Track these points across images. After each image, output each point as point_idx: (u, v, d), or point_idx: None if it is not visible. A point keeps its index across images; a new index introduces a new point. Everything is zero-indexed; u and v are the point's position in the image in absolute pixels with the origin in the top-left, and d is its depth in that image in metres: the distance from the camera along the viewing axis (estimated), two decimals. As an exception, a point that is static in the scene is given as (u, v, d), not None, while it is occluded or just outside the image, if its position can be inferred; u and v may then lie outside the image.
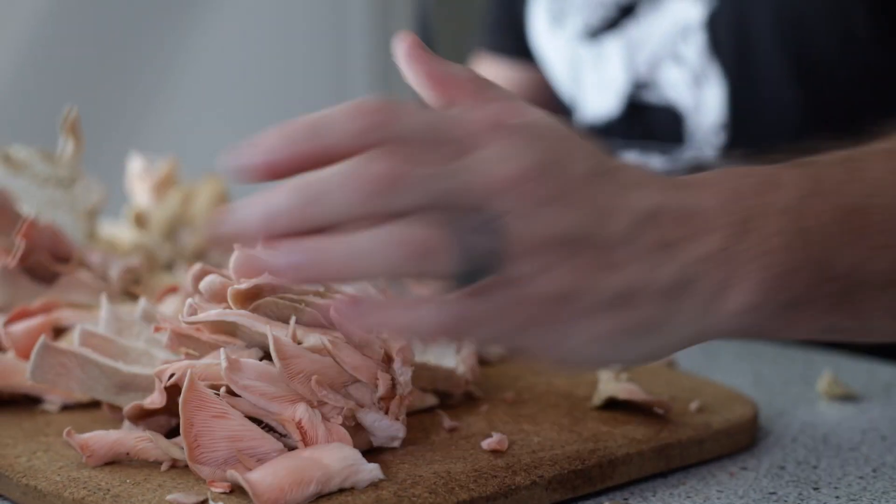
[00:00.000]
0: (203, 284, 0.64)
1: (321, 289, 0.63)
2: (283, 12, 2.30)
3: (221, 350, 0.59)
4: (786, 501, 0.59)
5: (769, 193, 0.56)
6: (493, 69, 1.26)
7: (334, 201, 0.51)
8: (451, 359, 0.68)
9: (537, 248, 0.52)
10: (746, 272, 0.55)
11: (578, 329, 0.54)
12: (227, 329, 0.62)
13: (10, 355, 0.71)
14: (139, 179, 0.93)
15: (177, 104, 2.20)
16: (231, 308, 0.62)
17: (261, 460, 0.57)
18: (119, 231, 0.93)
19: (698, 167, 1.01)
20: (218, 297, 0.63)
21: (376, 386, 0.60)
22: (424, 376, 0.67)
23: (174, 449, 0.59)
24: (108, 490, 0.57)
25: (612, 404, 0.68)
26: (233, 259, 0.64)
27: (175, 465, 0.59)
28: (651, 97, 1.05)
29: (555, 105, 1.19)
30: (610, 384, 0.68)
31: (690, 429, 0.65)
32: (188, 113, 2.20)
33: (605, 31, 1.07)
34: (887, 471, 0.63)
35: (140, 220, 0.91)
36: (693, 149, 1.03)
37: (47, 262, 0.75)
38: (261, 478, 0.55)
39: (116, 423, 0.66)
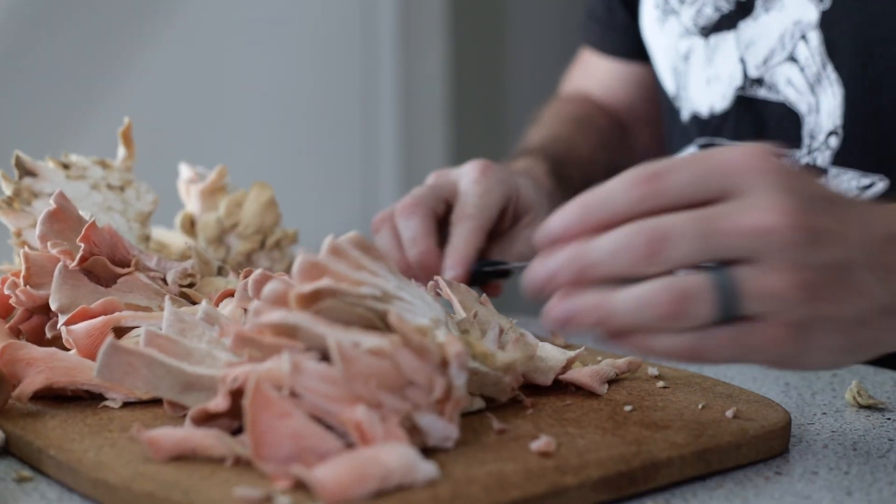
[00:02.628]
0: (266, 289, 0.67)
1: (379, 294, 0.66)
2: (314, 24, 2.33)
3: (284, 353, 0.62)
4: (821, 505, 0.62)
5: None
6: (598, 65, 1.27)
7: (615, 263, 0.60)
8: (499, 364, 0.71)
9: (793, 285, 0.59)
10: None
11: (815, 347, 0.61)
12: (288, 332, 0.65)
13: (73, 353, 0.74)
14: (189, 187, 0.96)
15: (225, 113, 2.23)
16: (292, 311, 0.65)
17: (322, 458, 0.60)
18: (170, 236, 0.96)
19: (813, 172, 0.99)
20: (279, 301, 0.66)
21: (432, 389, 0.63)
22: (473, 381, 0.70)
23: (238, 446, 0.62)
24: (177, 483, 0.60)
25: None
26: (296, 263, 0.67)
27: (238, 462, 0.62)
28: (765, 95, 1.04)
29: (657, 101, 1.19)
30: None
31: (728, 434, 0.67)
32: (236, 121, 2.23)
33: (720, 27, 1.05)
34: (916, 477, 0.66)
35: (189, 226, 0.94)
36: (807, 152, 1.01)
37: (107, 264, 0.78)
38: (324, 474, 0.58)
39: (177, 419, 0.69)
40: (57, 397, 0.73)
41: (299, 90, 2.30)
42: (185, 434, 0.63)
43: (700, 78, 1.07)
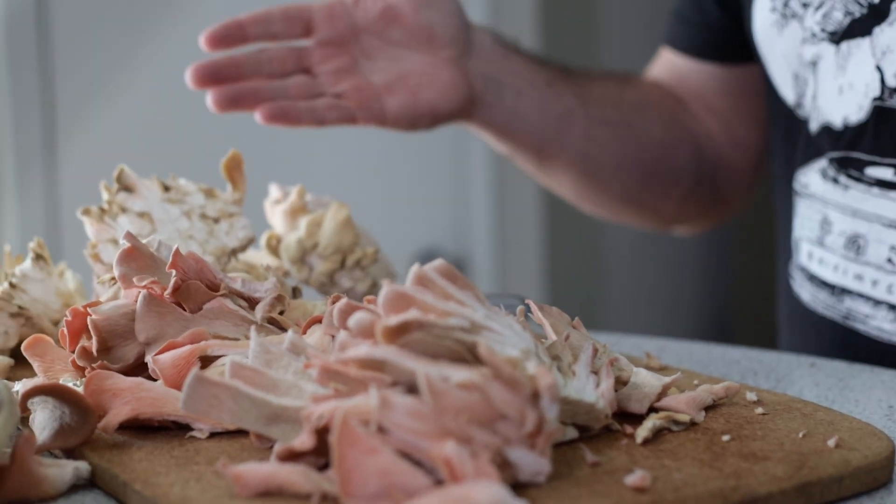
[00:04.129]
0: (352, 321, 0.65)
1: (468, 325, 0.64)
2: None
3: (371, 388, 0.61)
4: (929, 542, 0.60)
5: None
6: (673, 64, 1.23)
7: None
8: (592, 393, 0.69)
9: None
10: None
11: None
12: (375, 365, 0.63)
13: (160, 383, 0.73)
14: (273, 207, 0.95)
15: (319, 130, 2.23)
16: (379, 344, 0.64)
17: (410, 495, 0.59)
18: (258, 257, 0.95)
19: None
20: (366, 333, 0.65)
21: (524, 422, 0.61)
22: (565, 410, 0.68)
23: (325, 482, 0.61)
24: (263, 522, 0.59)
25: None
26: (382, 294, 0.66)
27: (325, 499, 0.61)
28: None
29: (736, 98, 1.16)
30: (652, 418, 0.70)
31: (830, 466, 0.65)
32: (329, 138, 2.23)
33: (852, 32, 0.99)
34: None
35: (274, 247, 0.93)
36: None
37: (201, 287, 0.77)
38: (414, 514, 0.56)
39: (264, 451, 0.68)
40: (143, 428, 0.72)
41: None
42: (272, 470, 0.62)
43: (831, 87, 1.00)
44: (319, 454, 0.63)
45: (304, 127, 0.98)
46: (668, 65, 1.23)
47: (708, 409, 0.74)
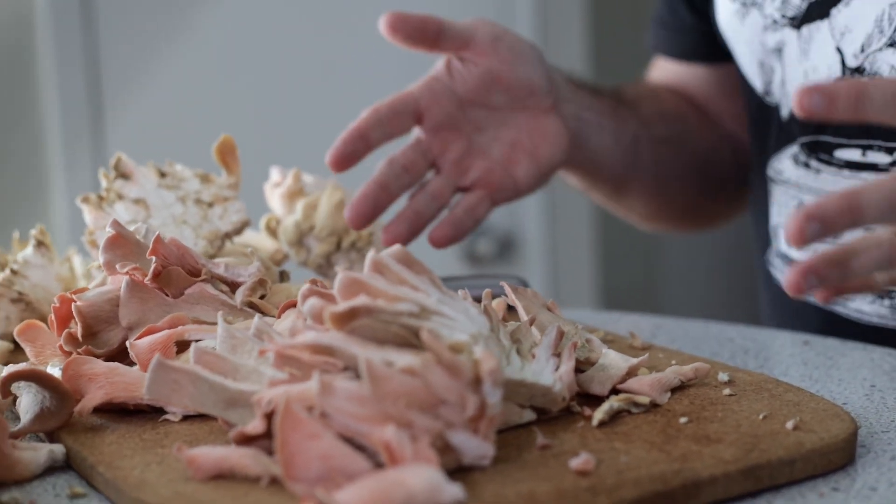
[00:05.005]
0: (305, 307, 0.67)
1: (416, 310, 0.65)
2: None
3: (314, 373, 0.62)
4: (869, 526, 0.60)
5: None
6: (666, 69, 1.24)
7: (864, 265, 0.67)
8: (549, 376, 0.69)
9: None
10: None
11: None
12: (327, 350, 0.65)
13: (136, 369, 0.75)
14: (273, 190, 0.96)
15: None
16: (329, 329, 0.65)
17: (351, 479, 0.60)
18: (260, 239, 0.97)
19: None
20: (319, 318, 0.66)
21: (465, 407, 0.62)
22: (522, 393, 0.69)
23: (273, 466, 0.62)
24: (209, 505, 0.60)
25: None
26: (337, 281, 0.67)
27: (274, 482, 0.62)
28: None
29: (739, 101, 1.16)
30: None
31: (782, 449, 0.65)
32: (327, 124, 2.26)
33: (811, 16, 0.99)
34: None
35: (273, 229, 0.95)
36: None
37: (182, 273, 0.79)
38: (345, 497, 0.58)
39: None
40: (122, 411, 0.74)
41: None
42: (224, 453, 0.64)
43: (797, 72, 1.01)
44: (271, 438, 0.65)
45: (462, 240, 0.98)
46: (664, 70, 1.24)
47: (676, 390, 0.74)
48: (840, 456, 0.67)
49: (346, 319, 0.64)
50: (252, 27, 2.20)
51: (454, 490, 0.59)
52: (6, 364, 0.84)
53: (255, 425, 0.64)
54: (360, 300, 0.64)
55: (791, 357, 0.87)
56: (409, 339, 0.65)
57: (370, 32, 2.04)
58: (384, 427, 0.61)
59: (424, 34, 0.95)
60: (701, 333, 0.94)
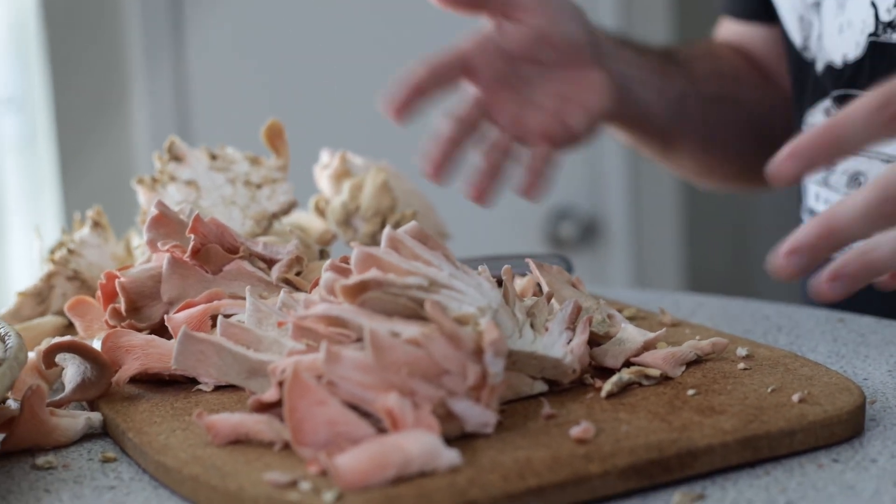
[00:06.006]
0: (322, 280, 0.69)
1: (426, 283, 0.67)
2: None
3: (322, 342, 0.65)
4: (860, 496, 0.61)
5: None
6: (732, 31, 1.25)
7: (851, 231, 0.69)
8: (560, 349, 0.71)
9: None
10: None
11: None
12: (340, 322, 0.67)
13: (172, 342, 0.78)
14: (321, 172, 0.99)
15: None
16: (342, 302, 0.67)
17: (356, 444, 0.62)
18: (309, 219, 1.00)
19: None
20: (334, 291, 0.69)
21: (466, 376, 0.64)
22: (533, 365, 0.71)
23: (286, 431, 0.65)
24: (221, 468, 0.63)
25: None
26: (353, 256, 0.70)
27: (287, 447, 0.65)
28: None
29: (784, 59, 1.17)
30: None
31: (783, 420, 0.66)
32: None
33: None
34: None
35: (321, 210, 0.98)
36: None
37: (220, 251, 0.82)
38: (344, 461, 0.60)
39: (257, 404, 0.73)
40: (158, 382, 0.78)
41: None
42: (240, 420, 0.67)
43: (833, 26, 1.02)
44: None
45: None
46: (728, 30, 1.25)
47: (692, 364, 0.75)
48: (844, 428, 0.67)
49: (356, 292, 0.67)
50: (301, 13, 2.23)
51: (451, 455, 0.61)
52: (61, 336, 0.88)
53: (271, 393, 0.67)
54: (371, 274, 0.67)
55: (822, 334, 0.87)
56: (418, 312, 0.67)
57: (421, 14, 2.07)
58: (387, 395, 0.63)
59: None
60: (739, 311, 0.95)
